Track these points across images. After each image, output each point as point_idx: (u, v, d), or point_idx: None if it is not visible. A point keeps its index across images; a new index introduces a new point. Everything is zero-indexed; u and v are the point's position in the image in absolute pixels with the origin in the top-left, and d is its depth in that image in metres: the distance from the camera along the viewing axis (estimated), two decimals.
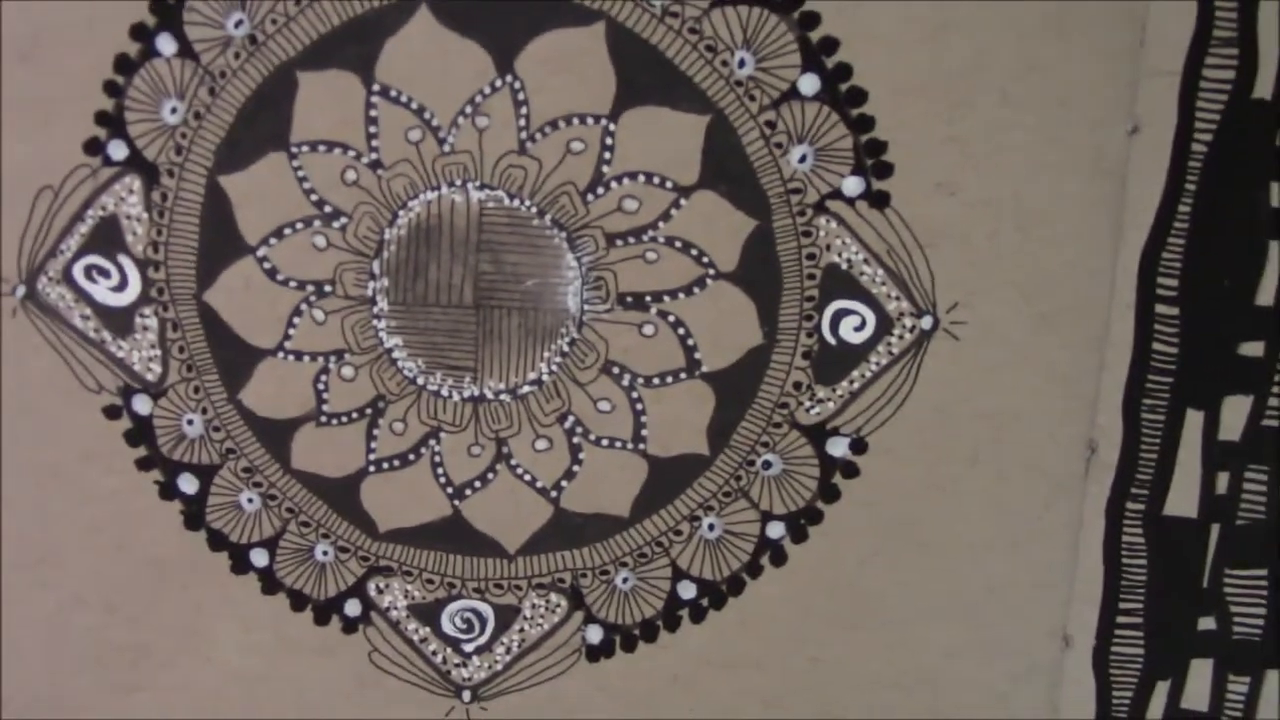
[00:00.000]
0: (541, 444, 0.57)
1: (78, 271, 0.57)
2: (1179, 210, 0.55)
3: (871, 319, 0.55)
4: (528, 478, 0.57)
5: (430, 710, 0.61)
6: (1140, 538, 0.57)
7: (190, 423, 0.58)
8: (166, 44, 0.55)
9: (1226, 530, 0.57)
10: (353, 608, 0.60)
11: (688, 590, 0.59)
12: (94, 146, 0.56)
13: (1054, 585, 0.58)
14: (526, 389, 0.56)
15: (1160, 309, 0.55)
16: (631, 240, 0.55)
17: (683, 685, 0.59)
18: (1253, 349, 0.55)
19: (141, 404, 0.58)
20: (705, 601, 0.59)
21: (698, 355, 0.56)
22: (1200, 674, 0.59)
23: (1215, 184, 0.54)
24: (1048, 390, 0.55)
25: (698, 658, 0.59)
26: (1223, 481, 0.57)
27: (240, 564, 0.59)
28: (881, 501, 0.57)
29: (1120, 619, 0.58)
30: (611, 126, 0.54)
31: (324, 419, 0.57)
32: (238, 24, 0.54)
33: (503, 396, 0.56)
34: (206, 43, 0.55)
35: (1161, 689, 0.59)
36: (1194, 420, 0.57)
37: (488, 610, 0.59)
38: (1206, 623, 0.59)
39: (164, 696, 0.61)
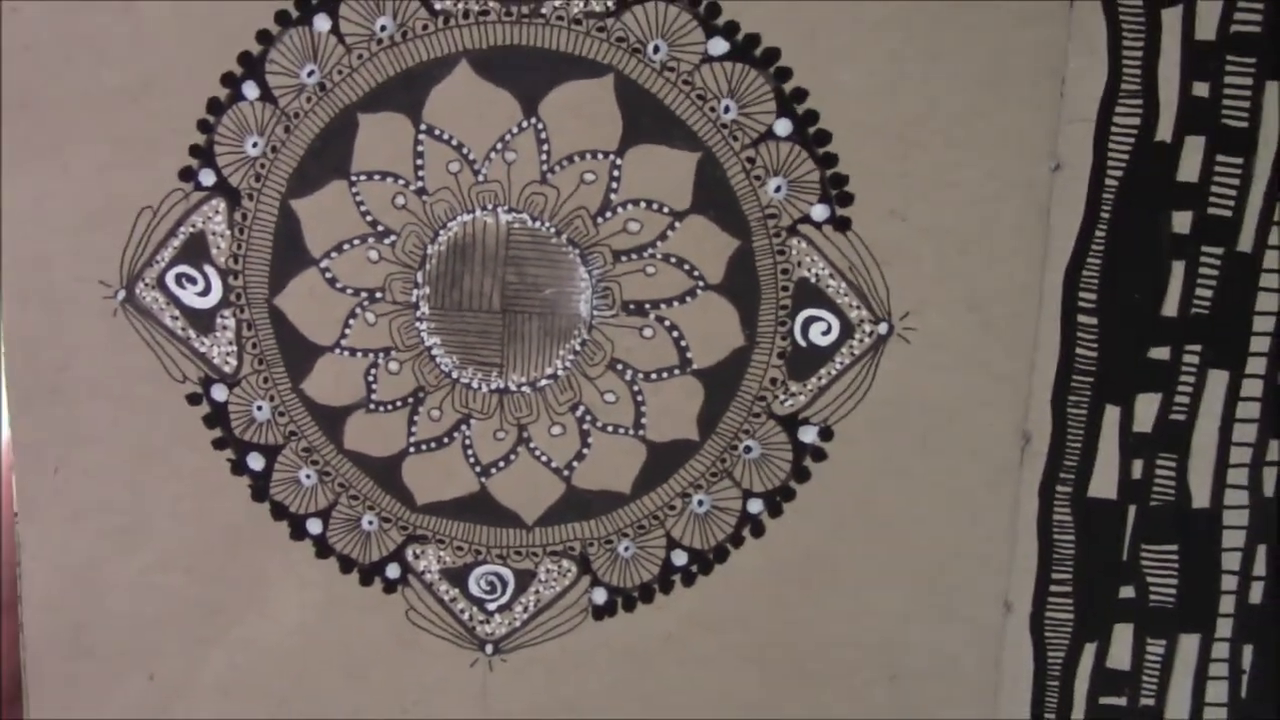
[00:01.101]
0: (556, 430, 0.62)
1: (170, 279, 0.63)
2: (1096, 235, 0.60)
3: (836, 325, 0.60)
4: (544, 459, 0.62)
5: (458, 660, 0.66)
6: (1068, 516, 0.61)
7: (259, 409, 0.63)
8: (251, 90, 0.61)
9: (1142, 510, 0.61)
10: (393, 571, 0.64)
11: (680, 558, 0.63)
12: (188, 174, 0.61)
13: (996, 558, 0.62)
14: (544, 382, 0.62)
15: (1081, 319, 0.60)
16: (634, 256, 0.60)
17: (675, 641, 0.64)
18: (1161, 353, 0.59)
19: (219, 392, 0.64)
20: (695, 568, 0.63)
21: (689, 355, 0.61)
22: (1122, 637, 0.63)
23: (1125, 213, 0.59)
24: (987, 388, 0.60)
25: (688, 617, 0.63)
26: (1138, 468, 0.61)
27: (298, 531, 0.64)
28: (845, 482, 0.61)
29: (1053, 588, 0.62)
30: (618, 161, 0.59)
31: (372, 406, 0.62)
32: (309, 74, 0.61)
33: (524, 389, 0.62)
34: (284, 89, 0.61)
35: (1090, 650, 0.63)
36: (1112, 415, 0.61)
37: (509, 574, 0.64)
38: (1127, 591, 0.63)
39: (233, 649, 0.66)
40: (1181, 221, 0.59)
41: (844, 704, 0.64)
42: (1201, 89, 0.59)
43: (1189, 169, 0.59)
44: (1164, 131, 0.59)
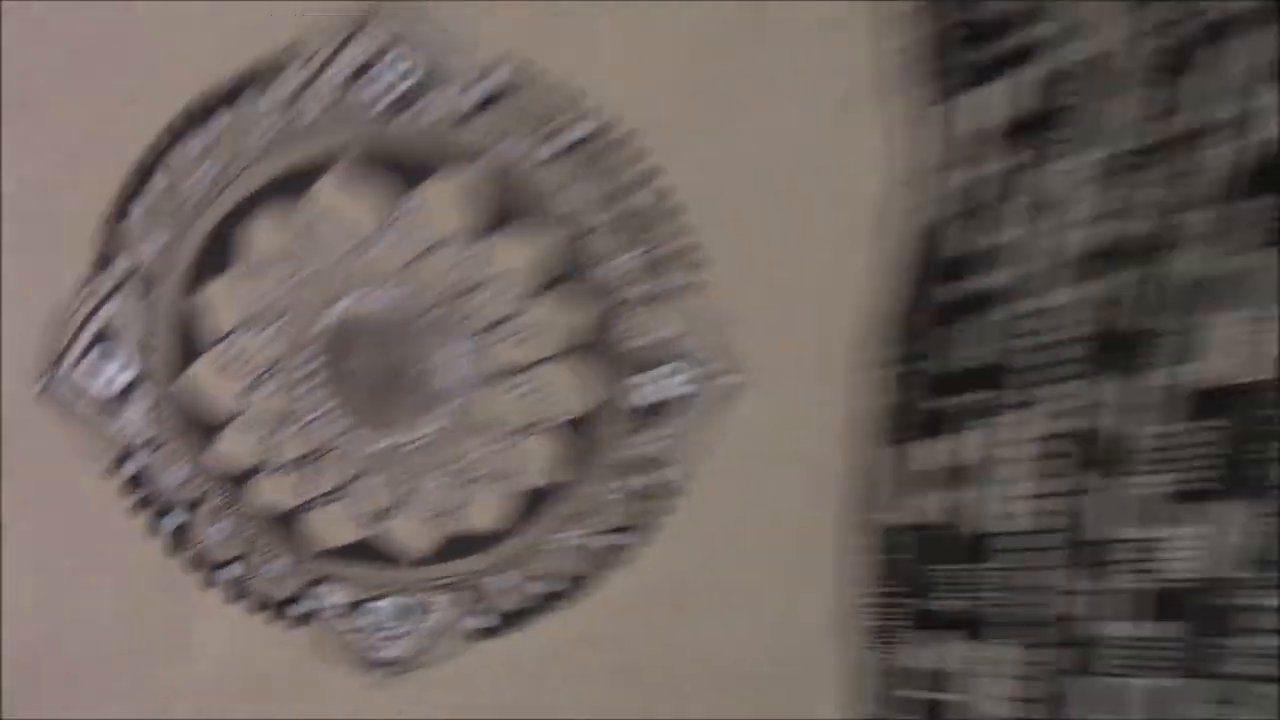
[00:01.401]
0: (442, 480, 0.68)
1: (83, 366, 0.66)
2: (889, 312, 0.66)
3: (687, 378, 0.65)
4: (432, 506, 0.68)
5: (360, 685, 0.70)
6: (875, 539, 0.68)
7: (173, 474, 0.67)
8: (159, 181, 0.62)
9: (927, 533, 0.68)
10: (302, 607, 0.69)
11: (556, 585, 0.68)
12: (102, 263, 0.62)
13: (826, 573, 0.68)
14: (429, 440, 0.67)
15: (879, 373, 0.67)
16: (501, 327, 0.65)
17: (552, 658, 0.70)
18: (936, 404, 0.66)
19: (137, 461, 0.67)
20: (570, 594, 0.69)
21: (561, 410, 0.66)
22: (921, 640, 0.68)
23: (912, 294, 0.65)
24: (813, 433, 0.66)
25: (564, 637, 0.69)
26: (934, 498, 0.67)
27: (213, 578, 0.68)
28: (703, 515, 0.68)
29: (871, 596, 0.69)
30: (485, 248, 0.63)
31: (277, 467, 0.67)
32: (207, 168, 0.62)
33: (412, 446, 0.67)
34: (185, 183, 0.63)
35: (904, 650, 0.69)
36: (908, 451, 0.67)
37: (403, 605, 0.70)
38: (922, 604, 0.70)
39: (158, 685, 0.69)
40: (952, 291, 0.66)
41: (707, 713, 0.70)
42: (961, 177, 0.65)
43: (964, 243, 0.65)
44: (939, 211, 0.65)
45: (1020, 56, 0.57)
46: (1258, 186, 0.52)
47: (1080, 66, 0.57)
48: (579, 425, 0.65)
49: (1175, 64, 0.53)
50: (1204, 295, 0.55)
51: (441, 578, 0.66)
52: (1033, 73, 0.57)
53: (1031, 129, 0.59)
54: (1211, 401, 0.55)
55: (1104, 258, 0.58)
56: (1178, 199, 0.53)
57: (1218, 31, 0.52)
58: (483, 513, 0.65)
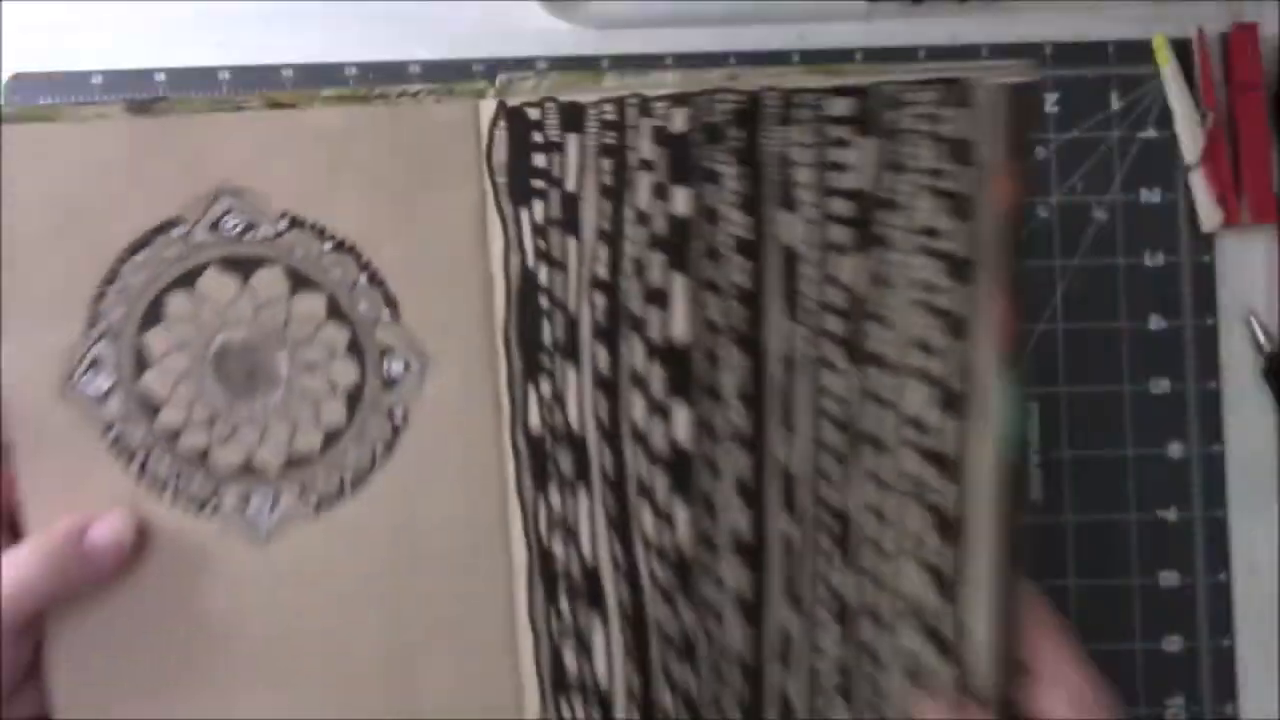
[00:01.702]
0: (278, 426, 0.72)
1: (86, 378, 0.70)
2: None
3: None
4: (277, 439, 0.71)
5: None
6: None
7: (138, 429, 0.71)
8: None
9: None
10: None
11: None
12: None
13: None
14: (275, 404, 0.70)
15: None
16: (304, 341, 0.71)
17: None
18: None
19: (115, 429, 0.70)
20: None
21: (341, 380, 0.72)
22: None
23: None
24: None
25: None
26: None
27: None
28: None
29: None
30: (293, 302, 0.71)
31: (194, 425, 0.71)
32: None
33: (264, 407, 0.71)
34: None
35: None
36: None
37: (265, 496, 0.71)
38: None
39: None
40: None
41: None
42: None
43: None
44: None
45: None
46: None
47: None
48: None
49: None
50: None
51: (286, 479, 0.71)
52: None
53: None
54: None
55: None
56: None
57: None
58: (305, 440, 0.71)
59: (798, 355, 0.58)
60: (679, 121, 0.56)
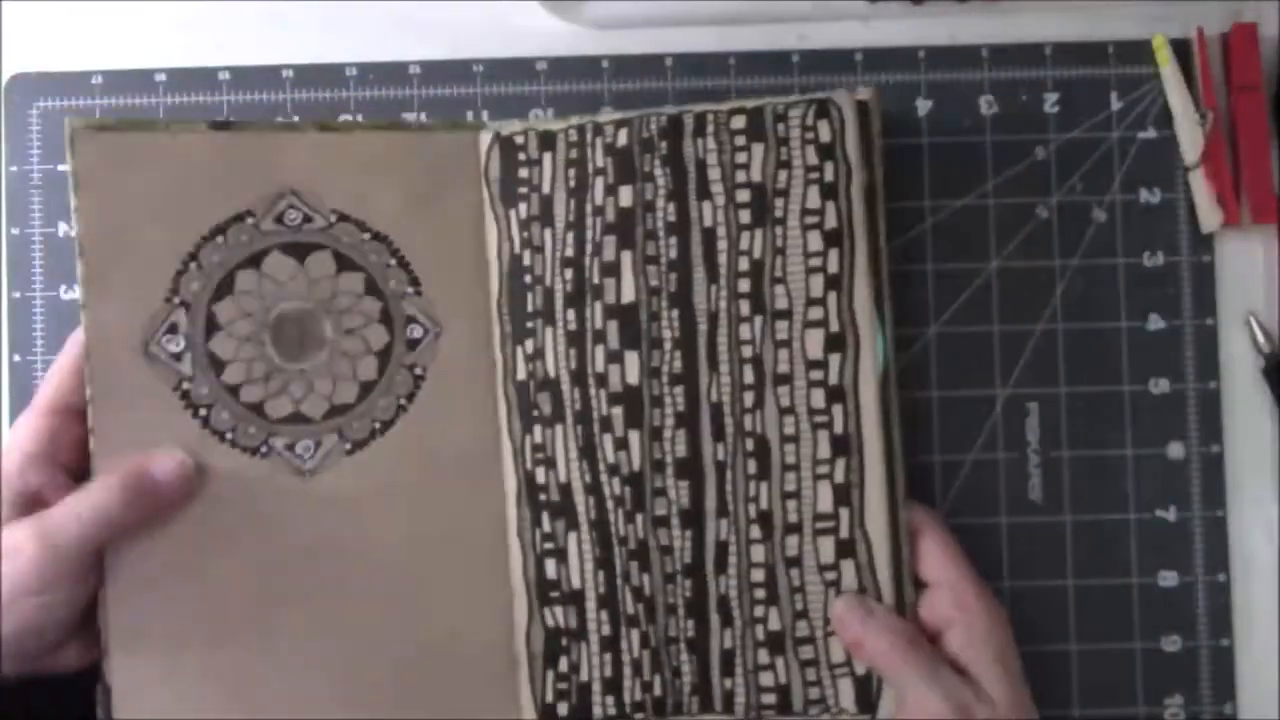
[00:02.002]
0: (321, 382, 0.78)
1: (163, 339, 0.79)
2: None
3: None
4: (320, 394, 0.77)
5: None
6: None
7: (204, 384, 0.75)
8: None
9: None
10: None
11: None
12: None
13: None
14: (320, 363, 0.78)
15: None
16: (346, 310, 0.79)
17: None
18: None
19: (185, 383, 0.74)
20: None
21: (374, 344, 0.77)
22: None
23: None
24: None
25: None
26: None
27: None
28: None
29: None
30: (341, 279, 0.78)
31: (252, 381, 0.76)
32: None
33: (309, 367, 0.77)
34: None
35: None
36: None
37: (311, 441, 0.77)
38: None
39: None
40: None
41: None
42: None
43: None
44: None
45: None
46: None
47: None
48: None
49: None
50: None
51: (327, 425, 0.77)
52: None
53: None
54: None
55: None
56: None
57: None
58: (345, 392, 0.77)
59: (719, 311, 0.69)
60: (622, 138, 0.68)
